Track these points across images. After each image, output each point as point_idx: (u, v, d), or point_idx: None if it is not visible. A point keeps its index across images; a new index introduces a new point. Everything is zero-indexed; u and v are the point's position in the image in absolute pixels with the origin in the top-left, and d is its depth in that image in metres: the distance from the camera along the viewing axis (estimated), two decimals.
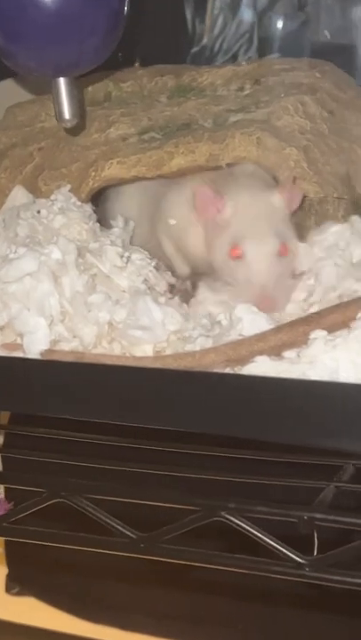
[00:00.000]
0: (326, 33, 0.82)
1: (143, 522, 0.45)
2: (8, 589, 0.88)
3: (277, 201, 0.57)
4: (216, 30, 0.86)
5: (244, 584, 0.73)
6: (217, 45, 0.86)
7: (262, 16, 0.85)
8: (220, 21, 0.85)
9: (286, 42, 0.83)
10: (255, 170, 0.59)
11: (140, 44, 0.85)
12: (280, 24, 0.84)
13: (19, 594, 0.88)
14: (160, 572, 0.73)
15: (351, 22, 0.82)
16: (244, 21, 0.85)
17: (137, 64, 0.84)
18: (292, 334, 0.46)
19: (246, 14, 0.85)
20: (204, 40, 0.86)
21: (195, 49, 0.86)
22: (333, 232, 0.55)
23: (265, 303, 0.53)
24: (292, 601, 0.74)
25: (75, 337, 0.52)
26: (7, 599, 0.88)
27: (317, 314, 0.48)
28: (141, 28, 0.85)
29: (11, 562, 0.88)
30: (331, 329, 0.46)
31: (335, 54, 0.80)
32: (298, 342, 0.46)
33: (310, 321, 0.47)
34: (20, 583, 0.88)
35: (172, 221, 0.61)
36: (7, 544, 0.87)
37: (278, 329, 0.47)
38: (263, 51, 0.84)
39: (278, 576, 0.42)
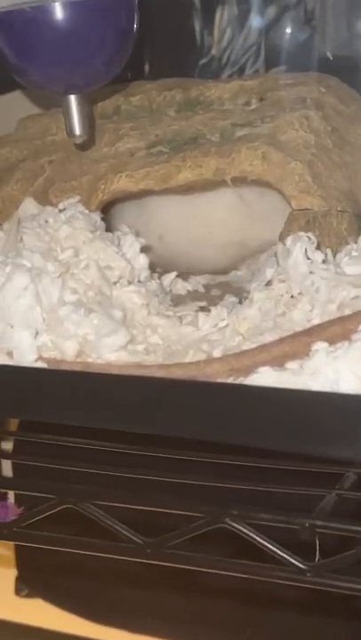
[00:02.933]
0: (333, 46, 0.83)
1: (150, 528, 0.46)
2: (17, 591, 0.89)
3: None
4: (224, 43, 0.87)
5: (252, 589, 0.74)
6: (225, 58, 0.87)
7: (270, 29, 0.86)
8: (227, 34, 0.86)
9: (293, 54, 0.85)
10: None
11: (149, 56, 0.87)
12: (287, 37, 0.85)
13: (28, 596, 0.89)
14: (168, 575, 0.73)
15: (358, 36, 0.83)
16: (252, 34, 0.86)
17: (146, 70, 0.85)
18: (294, 345, 0.47)
19: (254, 27, 0.86)
20: (212, 52, 0.87)
21: (203, 61, 0.87)
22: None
23: None
24: (299, 606, 0.75)
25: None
26: (16, 601, 0.89)
27: (318, 326, 0.49)
28: (150, 39, 0.86)
29: (20, 564, 0.89)
30: (331, 340, 0.47)
31: (342, 67, 0.81)
32: (300, 353, 0.47)
33: (312, 332, 0.48)
34: (29, 585, 0.89)
35: None
36: (17, 547, 0.88)
37: (281, 340, 0.48)
38: (270, 63, 0.85)
39: (280, 581, 0.44)
